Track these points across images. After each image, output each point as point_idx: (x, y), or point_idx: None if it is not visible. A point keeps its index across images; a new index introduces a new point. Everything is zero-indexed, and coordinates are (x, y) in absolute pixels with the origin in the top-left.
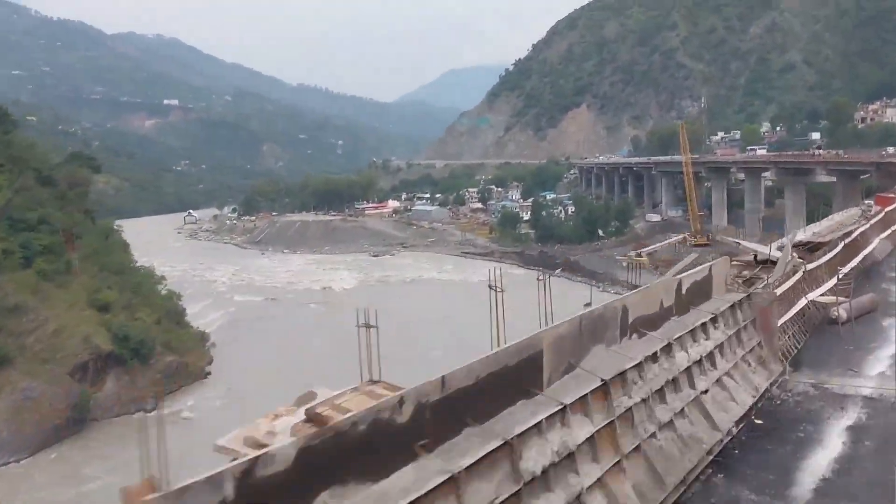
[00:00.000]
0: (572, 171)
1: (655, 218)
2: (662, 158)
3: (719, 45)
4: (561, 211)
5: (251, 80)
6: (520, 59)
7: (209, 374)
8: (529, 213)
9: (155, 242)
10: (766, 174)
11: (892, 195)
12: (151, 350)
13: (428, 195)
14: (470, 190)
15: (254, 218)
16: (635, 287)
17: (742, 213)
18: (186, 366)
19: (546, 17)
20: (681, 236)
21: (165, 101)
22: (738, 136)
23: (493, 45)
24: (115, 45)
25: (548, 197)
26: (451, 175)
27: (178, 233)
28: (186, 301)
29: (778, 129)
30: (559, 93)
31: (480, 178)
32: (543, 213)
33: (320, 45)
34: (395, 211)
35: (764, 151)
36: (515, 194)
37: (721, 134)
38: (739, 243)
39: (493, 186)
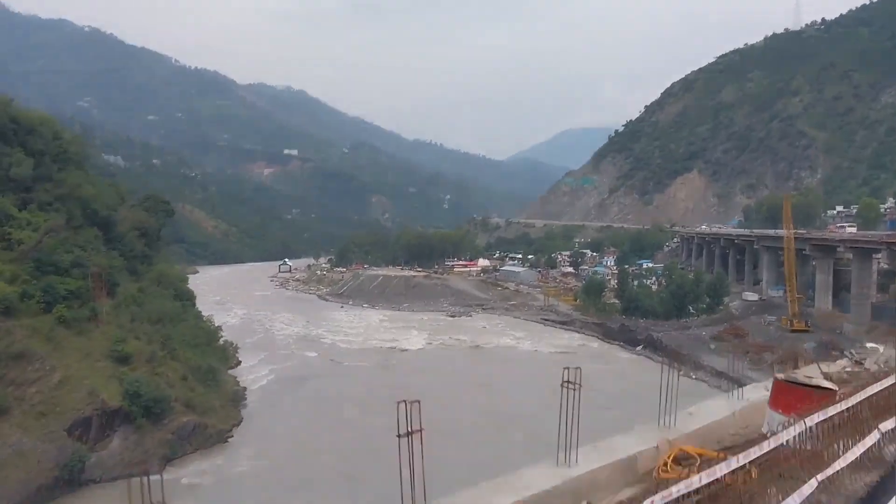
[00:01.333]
0: (675, 240)
1: (753, 297)
2: (765, 232)
3: (846, 113)
4: (655, 282)
5: (370, 133)
6: (630, 120)
7: (231, 437)
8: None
9: (243, 289)
10: (878, 255)
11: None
12: (166, 409)
13: (520, 255)
14: (563, 253)
15: (343, 269)
16: (721, 376)
17: (850, 298)
18: (205, 427)
19: (665, 81)
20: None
21: (285, 151)
22: (856, 212)
23: (610, 106)
24: (244, 94)
25: (643, 265)
26: (546, 236)
27: (271, 280)
28: (243, 353)
29: None
30: (669, 157)
31: (577, 241)
32: (635, 282)
33: (440, 104)
34: (484, 270)
35: (854, 229)
36: (610, 260)
37: (839, 208)
38: None
39: (586, 250)
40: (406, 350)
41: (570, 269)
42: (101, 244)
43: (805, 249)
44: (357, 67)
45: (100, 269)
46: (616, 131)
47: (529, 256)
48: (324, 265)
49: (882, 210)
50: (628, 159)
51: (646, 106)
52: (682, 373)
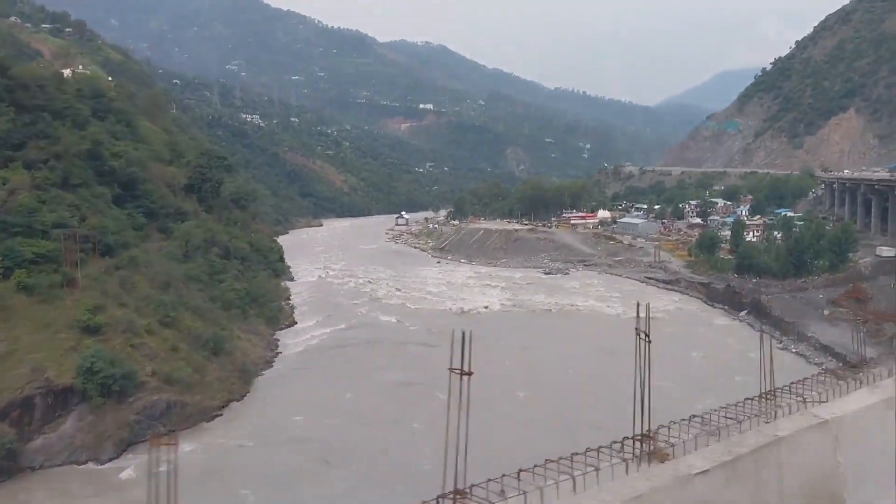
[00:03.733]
0: (821, 186)
1: (890, 253)
2: None
3: None
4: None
5: (509, 84)
6: (779, 57)
7: (218, 415)
8: (731, 234)
9: (352, 243)
10: None
11: None
12: (131, 385)
13: (645, 205)
14: (691, 202)
15: (457, 222)
16: (826, 350)
17: None
18: (184, 406)
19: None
20: None
21: (421, 106)
22: None
23: (770, 45)
24: (384, 52)
25: (781, 215)
26: (678, 184)
27: (387, 233)
28: (308, 313)
29: None
30: (823, 95)
31: (713, 189)
32: (763, 235)
33: (585, 50)
34: (602, 222)
35: None
36: (745, 210)
37: None
38: None
39: (717, 199)
40: (470, 311)
41: (699, 221)
42: (106, 203)
43: None
44: (497, 19)
45: (85, 231)
46: (763, 70)
47: (656, 206)
48: (439, 218)
49: None
50: (777, 99)
51: (797, 41)
52: (780, 345)
